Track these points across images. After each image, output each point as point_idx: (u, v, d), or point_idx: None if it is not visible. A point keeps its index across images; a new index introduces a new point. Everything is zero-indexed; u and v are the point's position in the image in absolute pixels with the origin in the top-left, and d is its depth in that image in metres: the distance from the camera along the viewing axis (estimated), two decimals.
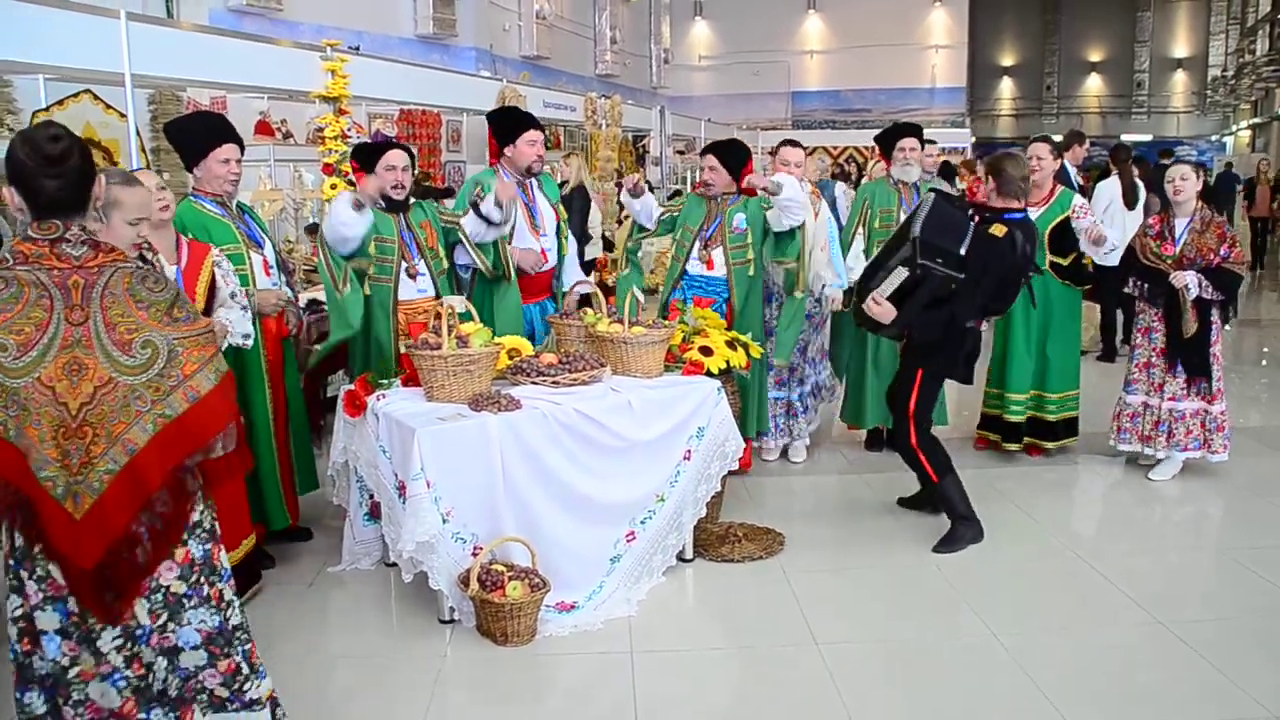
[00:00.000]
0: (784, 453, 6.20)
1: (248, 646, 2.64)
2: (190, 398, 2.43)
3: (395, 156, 4.94)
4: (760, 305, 5.70)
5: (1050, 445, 6.13)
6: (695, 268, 5.63)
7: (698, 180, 5.79)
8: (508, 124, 5.44)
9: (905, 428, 4.88)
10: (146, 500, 2.41)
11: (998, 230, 4.69)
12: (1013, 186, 4.91)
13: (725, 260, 5.55)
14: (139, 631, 2.48)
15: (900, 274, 4.61)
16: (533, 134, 5.37)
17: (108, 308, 2.41)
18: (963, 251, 4.56)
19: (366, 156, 5.02)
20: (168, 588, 2.48)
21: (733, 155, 5.63)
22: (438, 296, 4.99)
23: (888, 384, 6.10)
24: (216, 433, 2.48)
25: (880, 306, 4.67)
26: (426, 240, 4.99)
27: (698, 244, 5.61)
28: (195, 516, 2.53)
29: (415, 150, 10.72)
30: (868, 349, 6.13)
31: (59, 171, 2.42)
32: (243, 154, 4.66)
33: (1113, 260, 5.93)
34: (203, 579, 2.54)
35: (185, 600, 2.51)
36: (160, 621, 2.49)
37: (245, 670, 2.62)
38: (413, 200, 5.07)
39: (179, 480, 2.46)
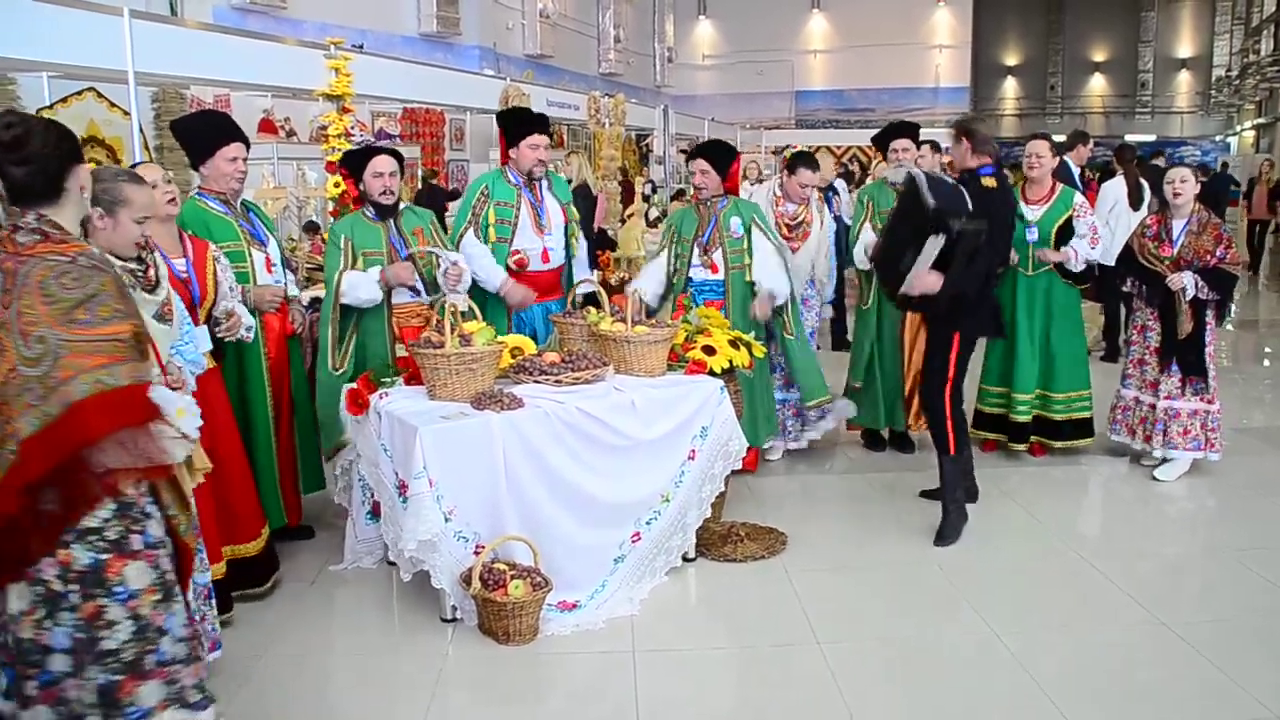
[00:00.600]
0: (788, 453, 6.19)
1: (117, 679, 2.48)
2: (62, 403, 2.37)
3: (381, 162, 4.94)
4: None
5: (1057, 444, 6.11)
6: (699, 274, 5.64)
7: (693, 189, 5.76)
8: (512, 126, 5.44)
9: (940, 390, 4.92)
10: (24, 488, 2.38)
11: (989, 182, 4.83)
12: (987, 145, 4.99)
13: (725, 264, 5.59)
14: (12, 612, 2.47)
15: (936, 243, 4.65)
16: (534, 138, 5.33)
17: (21, 297, 2.41)
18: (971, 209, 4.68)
19: (354, 163, 5.04)
20: (48, 582, 2.44)
21: (722, 156, 5.67)
22: (431, 304, 5.02)
23: (890, 386, 6.14)
24: (82, 445, 2.39)
25: (928, 277, 4.70)
26: (412, 256, 4.99)
27: (697, 250, 5.62)
28: (94, 523, 2.46)
29: (418, 150, 10.76)
30: (873, 351, 6.13)
31: (21, 157, 2.43)
32: (249, 152, 4.69)
33: (1108, 258, 5.94)
34: (79, 588, 2.45)
35: (61, 600, 2.46)
36: (38, 616, 2.44)
37: (96, 701, 2.47)
38: (404, 206, 5.08)
39: (67, 480, 2.41)
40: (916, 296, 4.80)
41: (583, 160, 10.27)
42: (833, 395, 5.99)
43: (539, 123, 5.45)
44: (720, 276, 5.61)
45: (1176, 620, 4.04)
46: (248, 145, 4.68)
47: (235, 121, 4.77)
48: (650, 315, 5.57)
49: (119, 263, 3.23)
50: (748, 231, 5.55)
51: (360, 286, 4.84)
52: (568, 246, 5.54)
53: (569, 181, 8.70)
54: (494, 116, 9.55)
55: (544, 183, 5.45)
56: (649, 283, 5.73)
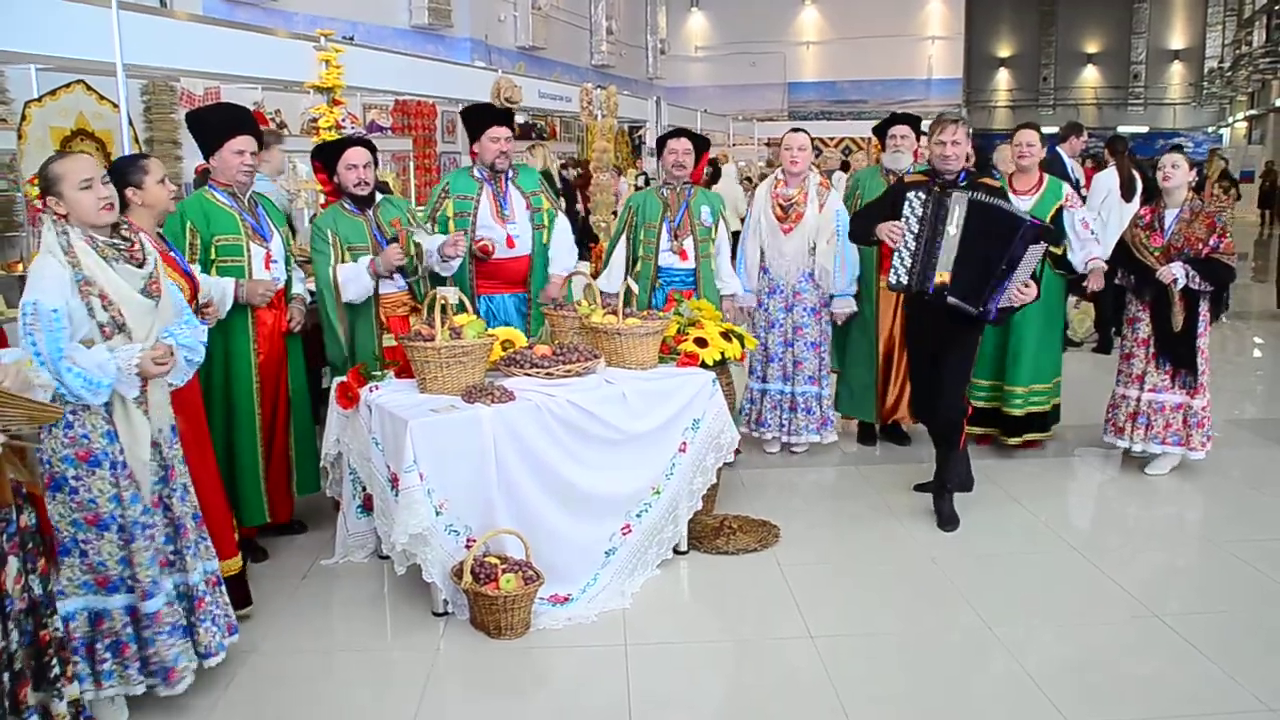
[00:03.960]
0: (785, 447, 6.18)
1: None
2: None
3: (354, 154, 4.93)
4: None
5: (1010, 440, 6.04)
6: (668, 260, 5.63)
7: (670, 171, 5.72)
8: (473, 121, 5.47)
9: (963, 390, 5.02)
10: None
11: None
12: None
13: (695, 252, 5.59)
14: None
15: (1037, 252, 4.62)
16: (494, 130, 5.35)
17: None
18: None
19: (327, 156, 5.01)
20: None
21: (701, 142, 5.71)
22: (411, 291, 5.05)
23: (863, 377, 6.13)
24: None
25: (1030, 289, 4.67)
26: (397, 238, 4.98)
27: (665, 236, 5.61)
28: None
29: (410, 142, 10.73)
30: (859, 342, 6.13)
31: None
32: (260, 146, 4.68)
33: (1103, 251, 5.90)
34: None
35: None
36: None
37: None
38: (380, 197, 5.08)
39: None
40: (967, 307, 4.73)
41: (546, 151, 10.26)
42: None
43: (499, 116, 5.45)
44: (690, 265, 5.62)
45: (1170, 613, 4.04)
46: (259, 139, 4.67)
47: (248, 113, 4.76)
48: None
49: (101, 238, 3.23)
50: (715, 223, 5.60)
51: (353, 281, 4.83)
52: (535, 236, 5.49)
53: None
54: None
55: (509, 174, 5.45)
56: (614, 283, 5.63)
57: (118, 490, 3.20)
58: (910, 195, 4.81)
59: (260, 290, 4.50)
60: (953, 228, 4.70)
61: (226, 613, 3.58)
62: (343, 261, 4.85)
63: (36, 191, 3.32)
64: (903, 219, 4.79)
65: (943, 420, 5.00)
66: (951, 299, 4.71)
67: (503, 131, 5.38)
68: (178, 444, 3.47)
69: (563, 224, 5.58)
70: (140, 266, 3.30)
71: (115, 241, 3.26)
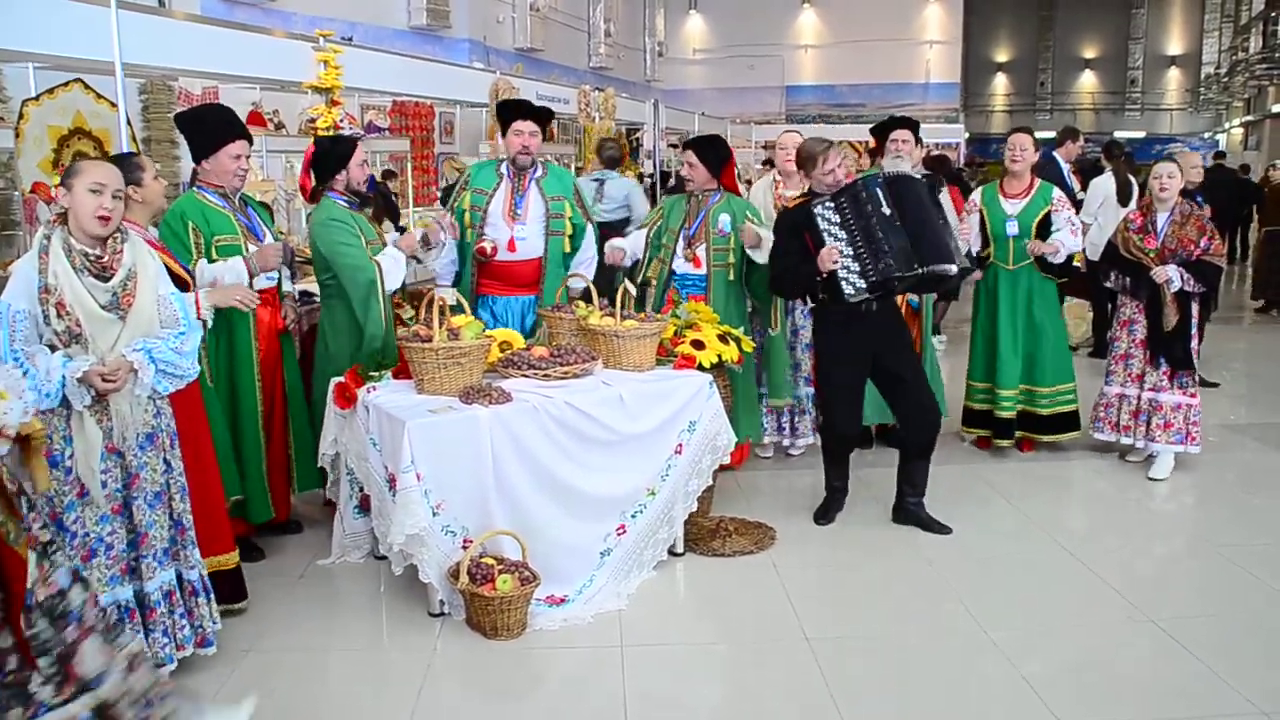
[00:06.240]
0: (782, 450, 6.18)
1: None
2: None
3: (361, 151, 4.97)
4: (742, 310, 5.65)
5: (1044, 438, 6.11)
6: (682, 266, 5.60)
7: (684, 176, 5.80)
8: (503, 115, 5.42)
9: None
10: None
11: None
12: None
13: (708, 260, 5.55)
14: None
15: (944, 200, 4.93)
16: (519, 124, 5.26)
17: None
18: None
19: (339, 154, 4.92)
20: None
21: (711, 151, 5.60)
22: (400, 289, 5.09)
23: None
24: None
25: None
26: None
27: (681, 242, 5.60)
28: None
29: (408, 143, 10.77)
30: None
31: None
32: (251, 148, 4.68)
33: (1096, 254, 5.96)
34: None
35: None
36: None
37: None
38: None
39: None
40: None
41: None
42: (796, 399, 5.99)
43: (528, 110, 5.39)
44: (702, 271, 5.57)
45: (1165, 617, 4.05)
46: (251, 142, 4.66)
47: (239, 117, 4.74)
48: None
49: (76, 246, 3.24)
50: (736, 228, 5.52)
51: (395, 270, 4.83)
52: (552, 243, 5.39)
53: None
54: (490, 110, 9.48)
55: (535, 172, 5.37)
56: (635, 244, 5.83)
57: (71, 495, 3.23)
58: (817, 211, 4.74)
59: (271, 254, 4.50)
60: (886, 208, 4.65)
61: (201, 624, 3.59)
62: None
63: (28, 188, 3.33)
64: (825, 237, 4.71)
65: (933, 429, 5.01)
66: (930, 267, 4.64)
67: (528, 125, 5.27)
68: (152, 451, 3.44)
69: (589, 237, 5.53)
70: (105, 280, 3.28)
71: (87, 251, 3.27)
